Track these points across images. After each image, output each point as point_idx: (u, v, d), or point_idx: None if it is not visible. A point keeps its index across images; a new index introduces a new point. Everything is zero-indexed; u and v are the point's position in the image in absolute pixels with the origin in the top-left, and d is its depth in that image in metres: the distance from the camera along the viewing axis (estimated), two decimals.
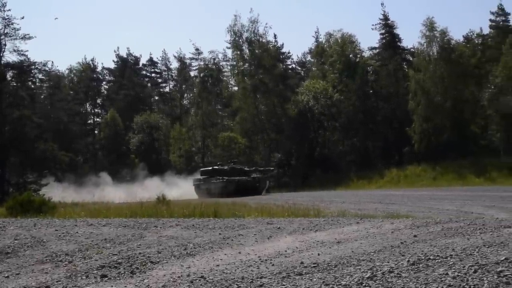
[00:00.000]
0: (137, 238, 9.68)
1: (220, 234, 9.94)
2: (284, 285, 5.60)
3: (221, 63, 67.76)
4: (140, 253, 8.09)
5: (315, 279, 5.75)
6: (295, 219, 12.76)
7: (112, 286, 6.20)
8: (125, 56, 78.85)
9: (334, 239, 8.67)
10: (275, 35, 69.99)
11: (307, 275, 6.00)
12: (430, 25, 52.34)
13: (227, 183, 37.80)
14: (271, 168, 47.29)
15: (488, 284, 5.14)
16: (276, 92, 59.39)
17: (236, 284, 5.75)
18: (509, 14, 59.93)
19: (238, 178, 38.44)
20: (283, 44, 69.39)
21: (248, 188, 36.87)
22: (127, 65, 77.54)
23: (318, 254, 7.26)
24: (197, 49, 72.07)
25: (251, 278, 5.97)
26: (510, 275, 5.40)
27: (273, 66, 60.27)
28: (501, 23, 60.44)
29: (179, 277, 6.27)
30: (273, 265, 6.68)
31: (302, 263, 6.67)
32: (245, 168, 41.93)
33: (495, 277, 5.39)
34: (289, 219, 12.83)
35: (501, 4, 60.26)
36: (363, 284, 5.39)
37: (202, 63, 68.98)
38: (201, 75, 66.27)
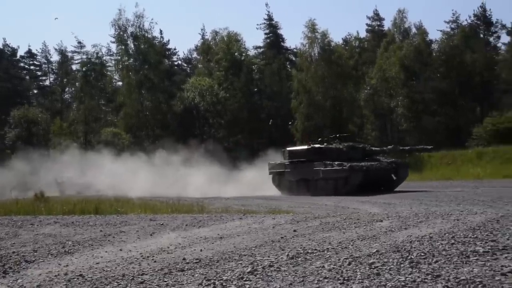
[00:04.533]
0: (11, 237, 9.25)
1: (101, 231, 9.73)
2: (165, 281, 5.59)
3: (104, 58, 65.94)
4: (14, 252, 7.74)
5: (197, 275, 5.79)
6: (178, 215, 12.75)
7: None
8: (0, 46, 74.65)
9: (217, 234, 8.76)
10: (161, 31, 69.42)
11: (189, 271, 6.03)
12: (312, 27, 54.05)
13: (350, 171, 22.16)
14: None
15: (361, 275, 5.42)
16: (162, 88, 58.76)
17: (116, 282, 5.66)
18: (383, 19, 63.34)
19: (367, 164, 22.95)
20: (169, 40, 69.01)
21: (379, 180, 23.35)
22: (3, 57, 73.43)
23: (201, 250, 7.31)
24: (79, 42, 69.78)
25: (132, 275, 5.90)
26: (380, 267, 5.74)
27: (159, 62, 59.58)
28: (376, 27, 63.64)
29: (56, 276, 6.07)
30: (155, 261, 6.64)
31: (184, 259, 6.68)
32: (373, 148, 26.31)
33: (367, 268, 5.70)
34: (172, 215, 12.79)
35: (376, 9, 63.57)
36: (244, 279, 5.50)
37: (84, 56, 66.77)
38: (84, 69, 64.10)
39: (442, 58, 52.65)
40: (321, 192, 22.14)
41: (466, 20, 58.70)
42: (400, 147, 27.08)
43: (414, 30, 57.69)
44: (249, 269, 5.88)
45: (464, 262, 5.79)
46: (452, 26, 58.96)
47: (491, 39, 59.18)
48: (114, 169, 30.29)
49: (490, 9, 58.23)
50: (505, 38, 59.16)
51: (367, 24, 64.26)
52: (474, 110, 53.07)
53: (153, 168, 30.61)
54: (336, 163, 22.68)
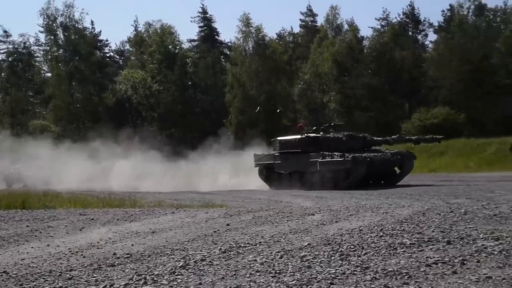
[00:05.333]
0: None
1: (27, 226, 9.42)
2: (95, 277, 5.46)
3: (32, 48, 63.88)
4: None
5: (127, 270, 5.70)
6: (110, 209, 12.51)
7: None
8: None
9: (149, 229, 8.65)
10: (92, 22, 67.57)
11: (120, 266, 5.93)
12: (246, 21, 54.22)
13: (354, 163, 19.79)
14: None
15: (292, 268, 5.48)
16: (93, 80, 57.51)
17: (43, 278, 5.49)
18: (317, 15, 64.17)
19: (371, 155, 20.59)
20: (100, 32, 67.38)
21: (381, 174, 21.61)
22: None
23: (132, 245, 7.19)
24: (5, 31, 67.18)
25: (59, 271, 5.74)
26: (311, 259, 5.82)
27: (90, 53, 58.29)
28: (309, 23, 64.40)
29: None
30: (84, 257, 6.49)
31: (115, 254, 6.56)
32: (374, 138, 22.92)
33: (299, 261, 5.77)
34: (103, 209, 12.54)
35: (309, 5, 64.30)
36: (176, 273, 5.46)
37: (11, 46, 64.40)
38: (10, 59, 61.91)
39: (373, 55, 53.85)
40: (317, 186, 19.89)
41: (395, 18, 60.24)
42: (406, 137, 24.45)
43: (346, 26, 58.81)
44: (181, 264, 5.83)
45: (392, 254, 5.95)
46: (383, 23, 60.38)
47: (419, 37, 61.04)
48: (45, 162, 29.40)
49: (418, 8, 59.99)
50: (432, 36, 61.23)
51: (300, 20, 65.02)
52: (403, 106, 54.58)
53: (85, 161, 29.77)
54: (336, 154, 20.25)
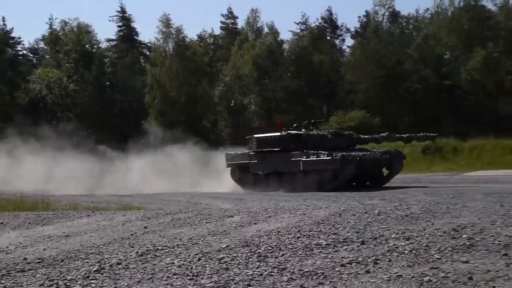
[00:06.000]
0: None
1: None
2: (3, 283, 5.23)
3: None
4: None
5: (38, 275, 5.49)
6: (21, 213, 12.05)
7: None
8: None
9: (63, 233, 8.39)
10: (3, 18, 64.83)
11: (30, 271, 5.71)
12: (166, 22, 53.72)
13: (343, 162, 18.34)
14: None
15: (210, 270, 5.46)
16: (4, 79, 55.15)
17: None
18: (237, 17, 64.34)
19: (360, 154, 19.38)
20: (12, 28, 64.67)
21: (368, 174, 20.40)
22: None
23: (44, 249, 6.95)
24: None
25: None
26: (229, 261, 5.83)
27: (1, 51, 55.92)
28: (230, 25, 64.55)
29: None
30: None
31: (25, 259, 6.31)
32: (361, 136, 21.95)
33: (217, 263, 5.76)
34: (14, 213, 12.05)
35: (230, 8, 64.40)
36: (90, 278, 5.31)
37: None
38: None
39: (292, 58, 54.63)
40: (299, 188, 18.43)
41: (314, 22, 61.44)
42: (397, 135, 22.27)
43: (266, 29, 59.36)
44: (95, 268, 5.69)
45: (308, 254, 6.05)
46: (302, 27, 61.41)
47: (337, 41, 62.54)
48: None
49: (336, 13, 61.33)
50: (349, 41, 62.84)
51: (221, 22, 65.00)
52: (321, 109, 55.66)
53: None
54: (323, 152, 18.67)
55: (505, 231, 7.04)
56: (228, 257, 6.05)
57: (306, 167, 18.90)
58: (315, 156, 18.77)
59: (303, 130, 20.58)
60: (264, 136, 20.97)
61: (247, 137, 22.37)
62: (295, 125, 21.43)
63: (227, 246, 6.68)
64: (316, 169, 18.67)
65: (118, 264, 5.89)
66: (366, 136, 21.82)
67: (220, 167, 22.69)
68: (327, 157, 18.45)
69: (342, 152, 18.66)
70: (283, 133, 20.33)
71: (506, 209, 9.59)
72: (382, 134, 21.78)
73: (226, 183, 21.54)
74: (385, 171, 20.72)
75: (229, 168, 21.64)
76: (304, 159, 18.96)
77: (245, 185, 20.88)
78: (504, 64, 51.18)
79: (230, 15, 64.26)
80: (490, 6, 55.89)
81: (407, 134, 22.19)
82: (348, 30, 61.81)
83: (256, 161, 20.55)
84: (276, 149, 19.99)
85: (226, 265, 5.67)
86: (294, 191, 17.92)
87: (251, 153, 20.88)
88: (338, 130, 21.38)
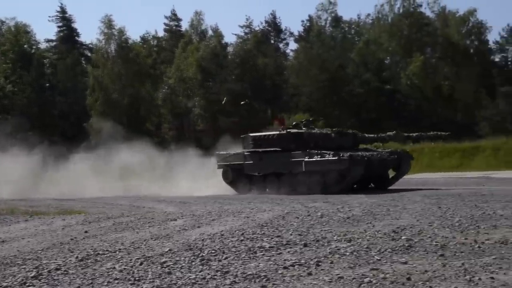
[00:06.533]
0: None
1: None
2: None
3: None
4: None
5: None
6: None
7: None
8: None
9: None
10: None
11: None
12: (108, 23, 52.96)
13: (351, 163, 17.23)
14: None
15: (152, 274, 5.40)
16: None
17: None
18: (181, 19, 63.89)
19: (367, 154, 18.25)
20: None
21: (373, 176, 19.23)
22: None
23: None
24: None
25: None
26: (172, 265, 5.78)
27: None
28: (174, 27, 64.07)
29: None
30: None
31: None
32: (366, 135, 20.70)
33: (159, 267, 5.71)
34: None
35: (174, 10, 63.95)
36: (27, 284, 5.17)
37: None
38: None
39: (236, 61, 54.71)
40: (301, 190, 17.43)
41: (258, 26, 61.72)
42: (405, 134, 20.89)
43: (210, 32, 59.25)
44: (33, 274, 5.54)
45: (252, 257, 6.06)
46: (246, 30, 61.56)
47: (281, 45, 63.06)
48: None
49: (279, 17, 61.88)
50: (293, 45, 63.40)
51: (165, 24, 64.39)
52: (265, 112, 55.93)
53: None
54: (328, 152, 17.49)
55: (442, 232, 7.24)
56: (170, 261, 6.00)
57: (309, 168, 17.72)
58: (319, 156, 17.59)
59: (303, 128, 19.37)
60: (261, 135, 19.71)
61: (241, 136, 20.75)
62: (294, 123, 20.33)
63: (170, 250, 6.62)
64: (321, 170, 17.55)
65: (57, 269, 5.75)
66: (371, 135, 20.63)
67: (175, 167, 22.29)
68: (333, 157, 17.27)
69: (349, 152, 17.53)
70: (283, 131, 19.03)
71: (443, 210, 9.87)
72: (389, 133, 20.56)
73: (181, 186, 20.95)
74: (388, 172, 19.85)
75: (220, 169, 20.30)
76: (307, 159, 17.77)
77: (239, 187, 19.66)
78: (441, 70, 52.76)
79: (174, 17, 63.77)
80: (428, 13, 57.52)
81: (416, 133, 21.17)
82: (291, 34, 62.43)
83: (251, 161, 19.30)
84: (274, 149, 18.71)
85: (169, 269, 5.62)
86: (294, 194, 17.11)
87: (245, 153, 19.59)
88: (341, 129, 20.01)
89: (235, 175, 19.77)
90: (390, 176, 19.86)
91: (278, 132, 19.10)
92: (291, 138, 18.65)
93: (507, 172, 25.31)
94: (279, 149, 18.61)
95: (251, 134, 19.86)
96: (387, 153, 18.89)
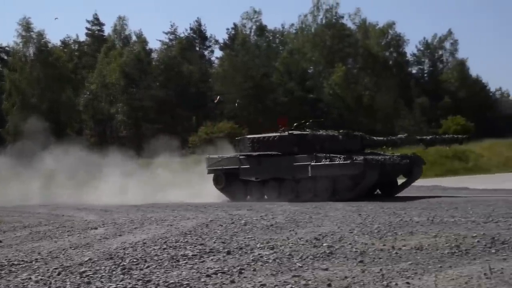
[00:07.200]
0: None
1: None
2: None
3: None
4: None
5: None
6: None
7: None
8: None
9: None
10: None
11: None
12: (27, 26, 51.40)
13: (366, 166, 15.65)
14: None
15: (71, 285, 5.24)
16: None
17: None
18: (104, 24, 62.77)
19: (380, 158, 16.65)
20: None
21: (384, 182, 17.43)
22: None
23: None
24: None
25: None
26: (91, 275, 5.62)
27: None
28: (96, 32, 62.82)
29: None
30: None
31: None
32: (375, 138, 18.91)
33: (78, 277, 5.54)
34: None
35: (96, 14, 62.64)
36: None
37: None
38: None
39: (161, 68, 54.29)
40: (306, 197, 16.22)
41: (183, 32, 61.48)
42: (418, 137, 19.26)
43: (134, 38, 58.53)
44: None
45: (174, 266, 5.99)
46: (171, 37, 61.20)
47: (206, 52, 63.11)
48: None
49: (205, 24, 61.81)
50: (218, 53, 63.58)
51: (87, 28, 62.99)
52: (190, 119, 55.70)
53: None
54: (338, 156, 16.02)
55: (362, 239, 7.42)
56: (90, 270, 5.84)
57: (316, 173, 16.22)
58: (328, 160, 16.11)
59: (307, 130, 17.75)
60: (260, 137, 17.97)
61: (237, 138, 19.46)
62: (295, 124, 18.41)
63: (89, 259, 6.45)
64: (330, 176, 16.07)
65: None
66: (380, 138, 18.98)
67: (109, 170, 21.40)
68: (345, 161, 15.78)
69: (365, 156, 16.15)
70: (284, 133, 17.50)
71: (363, 218, 10.12)
72: (400, 136, 19.35)
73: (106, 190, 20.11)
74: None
75: (209, 175, 18.82)
76: (314, 163, 16.26)
77: (232, 194, 18.25)
78: (362, 80, 54.33)
79: (96, 21, 62.53)
80: (350, 24, 59.16)
81: (430, 136, 19.48)
82: (216, 41, 62.62)
83: (248, 166, 17.69)
84: (274, 152, 17.21)
85: (88, 278, 5.47)
86: (297, 201, 15.90)
87: (241, 157, 17.98)
88: (348, 131, 18.49)
89: (228, 180, 18.22)
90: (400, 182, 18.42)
91: (279, 134, 17.57)
92: (294, 140, 17.13)
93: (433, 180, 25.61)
94: (280, 152, 17.11)
95: (249, 136, 18.45)
96: (398, 157, 17.29)
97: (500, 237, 7.02)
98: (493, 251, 6.22)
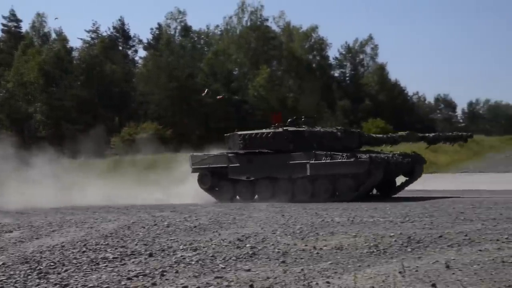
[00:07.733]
0: None
1: None
2: None
3: None
4: None
5: None
6: None
7: None
8: None
9: None
10: None
11: None
12: None
13: (371, 164, 14.82)
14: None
15: None
16: None
17: None
18: (21, 20, 60.57)
19: (383, 156, 15.67)
20: None
21: (384, 180, 16.31)
22: None
23: None
24: None
25: None
26: (5, 280, 5.41)
27: None
28: (13, 28, 60.51)
29: None
30: None
31: None
32: (374, 135, 18.55)
33: None
34: None
35: (13, 10, 60.25)
36: None
37: None
38: None
39: (82, 67, 52.97)
40: (303, 197, 15.42)
41: (106, 31, 60.22)
42: (420, 134, 18.05)
43: (54, 35, 56.85)
44: None
45: (94, 269, 5.84)
46: (93, 36, 59.81)
47: (129, 52, 62.11)
48: None
49: (128, 24, 60.83)
50: (142, 53, 62.68)
51: (3, 24, 60.51)
52: (113, 120, 54.66)
53: None
54: (342, 154, 15.11)
55: (284, 240, 7.49)
56: (4, 275, 5.60)
57: (315, 172, 15.34)
58: (329, 158, 15.22)
59: (303, 126, 16.87)
60: (252, 133, 16.86)
61: (226, 135, 17.89)
62: (289, 120, 17.39)
63: (3, 264, 6.19)
64: (330, 174, 15.26)
65: None
66: (379, 136, 18.38)
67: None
68: (348, 159, 14.96)
69: (370, 154, 15.40)
70: (279, 129, 16.50)
71: (286, 218, 10.23)
72: (401, 133, 18.00)
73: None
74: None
75: (193, 174, 17.76)
76: (312, 161, 15.38)
77: (219, 194, 17.23)
78: (286, 82, 55.02)
79: (13, 17, 60.22)
80: (274, 27, 59.79)
81: (433, 134, 18.55)
82: (140, 41, 61.79)
83: (238, 164, 16.66)
84: (267, 150, 16.30)
85: (1, 284, 5.25)
86: (293, 201, 15.13)
87: (230, 155, 16.96)
88: (346, 128, 17.71)
89: (215, 180, 17.20)
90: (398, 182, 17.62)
91: (272, 131, 16.59)
92: (289, 137, 16.14)
93: None
94: (273, 149, 16.20)
95: (239, 133, 17.14)
96: (399, 155, 16.39)
97: (416, 236, 7.27)
98: (409, 249, 6.43)
